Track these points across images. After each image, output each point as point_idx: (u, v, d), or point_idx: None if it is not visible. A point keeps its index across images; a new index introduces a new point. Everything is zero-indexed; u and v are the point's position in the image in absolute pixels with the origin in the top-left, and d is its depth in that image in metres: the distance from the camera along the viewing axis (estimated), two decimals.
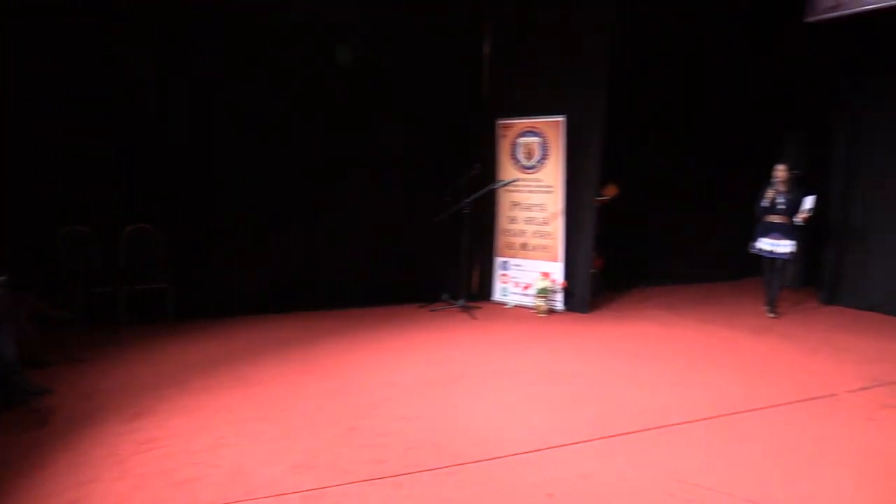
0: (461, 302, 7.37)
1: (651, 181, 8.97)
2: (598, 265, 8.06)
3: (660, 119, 8.94)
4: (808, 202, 7.16)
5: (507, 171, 7.75)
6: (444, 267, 7.72)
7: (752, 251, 7.59)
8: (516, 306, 7.69)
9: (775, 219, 7.36)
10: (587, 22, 7.31)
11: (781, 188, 7.35)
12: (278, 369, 5.18)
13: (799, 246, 7.43)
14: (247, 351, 5.62)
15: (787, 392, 5.01)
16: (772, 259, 7.49)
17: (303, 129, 6.93)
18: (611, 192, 8.29)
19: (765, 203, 7.40)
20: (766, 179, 7.49)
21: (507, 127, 7.75)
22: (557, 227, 7.50)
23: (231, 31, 6.53)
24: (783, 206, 7.31)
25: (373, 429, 4.10)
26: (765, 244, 7.45)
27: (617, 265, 8.75)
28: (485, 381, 5.07)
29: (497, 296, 7.91)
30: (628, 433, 4.17)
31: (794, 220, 7.25)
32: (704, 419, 4.44)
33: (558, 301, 7.50)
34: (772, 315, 7.56)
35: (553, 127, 7.44)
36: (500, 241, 7.90)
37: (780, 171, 7.38)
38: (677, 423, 4.34)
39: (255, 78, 6.66)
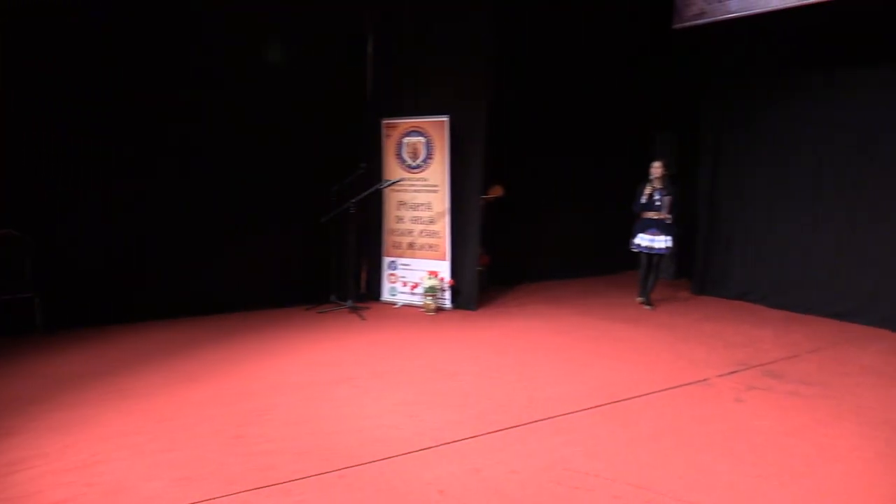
0: (349, 303, 7.30)
1: (533, 180, 9.23)
2: (484, 263, 8.20)
3: (542, 119, 9.20)
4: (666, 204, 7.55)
5: (393, 170, 7.74)
6: (331, 268, 7.62)
7: (633, 249, 7.82)
8: (405, 305, 7.69)
9: (653, 215, 7.60)
10: (470, 21, 7.42)
11: (658, 185, 7.57)
12: (159, 379, 4.94)
13: (674, 241, 7.70)
14: (125, 361, 5.33)
15: (663, 379, 5.27)
16: (650, 254, 7.72)
17: (191, 130, 6.65)
18: (496, 192, 8.47)
19: (643, 200, 7.60)
20: (641, 178, 7.83)
21: (391, 127, 7.73)
22: (444, 226, 7.56)
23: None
24: (660, 203, 7.57)
25: (260, 436, 3.99)
26: (643, 240, 7.64)
27: (503, 262, 8.94)
28: (374, 381, 5.04)
29: (385, 296, 7.88)
30: (517, 426, 4.26)
31: (669, 216, 7.56)
32: (588, 408, 4.59)
33: (446, 299, 7.57)
34: (648, 307, 7.85)
35: (437, 127, 7.49)
36: (388, 240, 7.88)
37: (657, 168, 7.60)
38: (563, 414, 4.47)
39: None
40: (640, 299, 7.98)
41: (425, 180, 7.64)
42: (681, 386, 5.13)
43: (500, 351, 5.97)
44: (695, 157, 9.14)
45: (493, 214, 8.46)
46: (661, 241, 7.59)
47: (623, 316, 7.49)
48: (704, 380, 5.29)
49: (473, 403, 4.63)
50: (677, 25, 7.79)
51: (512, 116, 8.72)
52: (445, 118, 7.43)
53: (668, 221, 7.55)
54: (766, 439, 4.16)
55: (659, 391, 4.99)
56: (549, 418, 4.40)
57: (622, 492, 3.44)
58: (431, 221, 7.63)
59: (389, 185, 7.62)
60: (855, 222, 7.45)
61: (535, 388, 4.97)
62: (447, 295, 7.57)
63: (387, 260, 7.88)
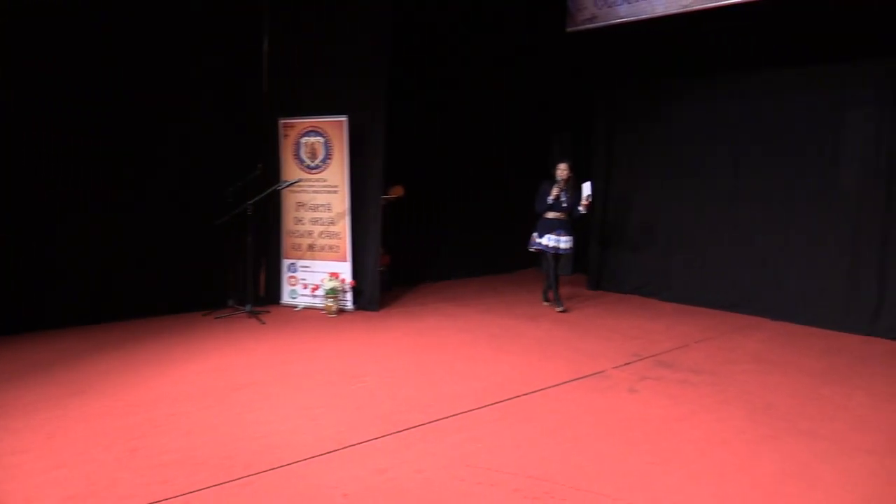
0: (248, 307, 7.12)
1: (433, 180, 9.31)
2: (385, 263, 8.19)
3: (442, 120, 9.29)
4: (587, 188, 7.44)
5: (291, 171, 7.61)
6: (228, 272, 7.42)
7: (535, 248, 7.75)
8: (306, 308, 7.58)
9: (559, 215, 7.57)
10: (366, 19, 7.39)
11: (564, 186, 7.51)
12: (43, 393, 4.66)
13: (574, 241, 7.76)
14: (4, 374, 5.00)
15: (562, 372, 5.42)
16: (556, 255, 7.67)
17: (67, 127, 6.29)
18: (396, 192, 8.47)
19: (550, 200, 7.51)
20: (540, 178, 7.99)
21: (289, 126, 7.60)
22: (345, 227, 7.50)
23: None
24: (566, 204, 7.53)
25: (156, 447, 3.83)
26: (549, 240, 7.55)
27: (404, 262, 8.96)
28: (275, 386, 4.95)
29: (286, 299, 7.74)
30: (421, 425, 4.28)
31: (576, 211, 7.53)
32: (491, 404, 4.67)
33: (348, 301, 7.51)
34: (559, 309, 7.70)
35: (336, 126, 7.43)
36: (287, 242, 7.74)
37: (563, 170, 7.51)
38: (466, 411, 4.53)
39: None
40: (547, 303, 7.95)
41: (324, 181, 7.55)
42: (578, 379, 5.29)
43: (403, 351, 5.98)
44: (588, 158, 9.44)
45: (394, 215, 8.46)
46: (566, 242, 7.58)
47: (523, 313, 7.65)
48: (601, 372, 5.48)
49: (377, 404, 4.62)
50: (570, 29, 8.04)
51: (412, 117, 8.77)
52: (344, 118, 7.37)
53: (581, 211, 7.55)
54: (658, 426, 4.35)
55: (558, 385, 5.13)
56: (452, 416, 4.44)
57: (523, 485, 3.52)
58: (332, 222, 7.55)
59: (288, 186, 7.49)
60: (738, 218, 7.90)
61: (438, 387, 5.01)
62: (349, 296, 7.51)
63: (286, 262, 7.75)
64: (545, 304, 7.98)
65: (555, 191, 7.49)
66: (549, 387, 5.08)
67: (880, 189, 6.84)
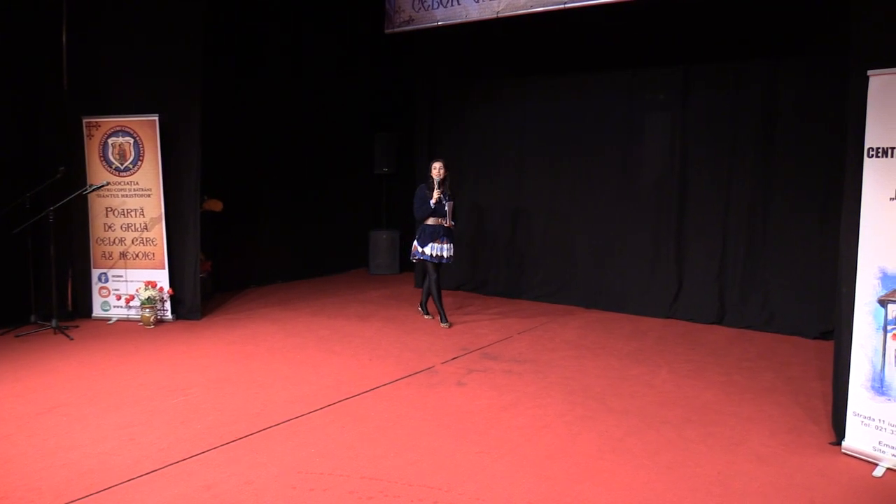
0: (54, 322, 6.53)
1: (257, 182, 9.03)
2: (206, 269, 7.84)
3: (264, 121, 9.03)
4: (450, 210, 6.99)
5: (98, 173, 7.06)
6: (29, 285, 6.76)
7: (417, 258, 7.16)
8: (120, 321, 7.07)
9: (440, 221, 6.95)
10: (177, 13, 7.00)
11: (442, 187, 6.90)
12: None
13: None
14: None
15: (393, 370, 5.46)
16: (438, 264, 7.07)
17: None
18: (214, 206, 8.09)
19: (432, 205, 6.86)
20: (365, 179, 7.98)
21: (94, 125, 7.05)
22: (160, 233, 7.08)
23: None
24: (446, 209, 6.96)
25: None
26: (434, 249, 6.94)
27: (228, 267, 8.64)
28: (86, 406, 4.58)
29: (97, 312, 7.18)
30: (249, 435, 4.14)
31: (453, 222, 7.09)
32: (321, 408, 4.61)
33: (167, 310, 7.10)
34: (446, 324, 7.04)
35: (146, 126, 6.99)
36: (96, 250, 7.17)
37: (438, 170, 6.87)
38: (296, 417, 4.44)
39: None
40: (427, 316, 7.38)
41: (136, 184, 7.08)
42: (409, 376, 5.35)
43: (229, 360, 5.76)
44: (411, 158, 9.58)
45: (215, 218, 8.14)
46: (449, 250, 7.02)
47: (354, 313, 7.62)
48: (430, 368, 5.58)
49: (201, 418, 4.41)
50: (388, 30, 8.09)
51: (232, 117, 8.46)
52: (155, 117, 6.96)
53: (452, 228, 7.06)
54: (485, 417, 4.51)
55: (388, 383, 5.16)
56: (282, 423, 4.34)
57: (357, 486, 3.51)
58: (146, 228, 7.10)
59: (94, 190, 6.94)
60: (554, 214, 8.34)
61: (268, 395, 4.88)
62: (167, 306, 7.10)
63: (96, 272, 7.18)
64: (426, 317, 7.39)
65: (435, 194, 6.84)
66: (380, 386, 5.10)
67: (674, 185, 7.50)
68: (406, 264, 10.18)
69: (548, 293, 8.33)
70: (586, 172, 8.09)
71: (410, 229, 9.51)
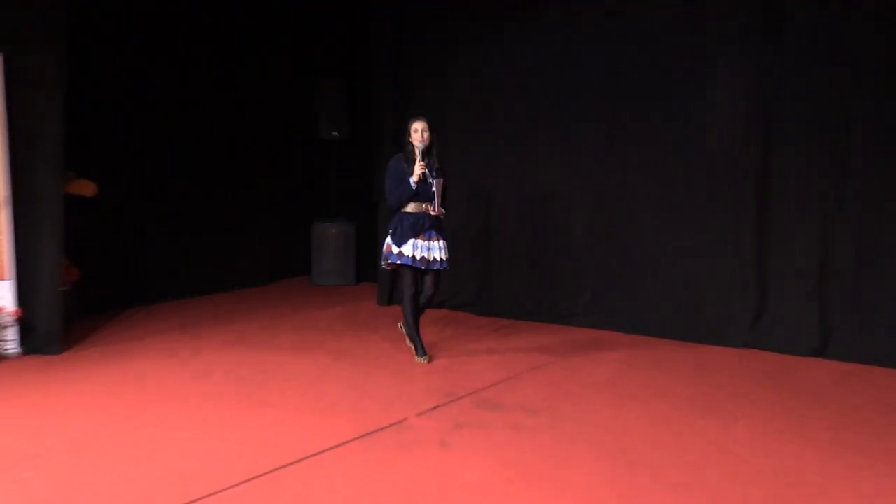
0: None
1: (148, 160, 9.00)
2: (72, 279, 7.78)
3: (160, 66, 9.01)
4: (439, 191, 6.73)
5: None
6: None
7: (391, 263, 6.90)
8: None
9: (426, 207, 6.75)
10: None
11: (427, 160, 6.67)
12: None
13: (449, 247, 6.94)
14: None
15: (346, 427, 5.36)
16: (423, 272, 6.87)
17: None
18: (85, 189, 8.06)
19: (413, 182, 6.62)
20: (301, 148, 7.90)
21: None
22: (1, 226, 7.00)
23: None
24: (433, 190, 6.73)
25: None
26: (416, 249, 6.69)
27: (107, 277, 8.66)
28: None
29: None
30: None
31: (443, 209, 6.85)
32: (242, 483, 4.50)
33: (10, 341, 7.07)
34: (424, 359, 6.90)
35: None
36: None
37: (419, 132, 6.64)
38: (204, 497, 4.32)
39: None
40: (424, 359, 6.93)
41: None
42: (369, 434, 5.25)
43: (103, 414, 5.66)
44: (370, 115, 9.53)
45: (87, 207, 8.08)
46: (442, 249, 6.78)
47: (289, 343, 7.60)
48: (400, 422, 5.49)
49: (58, 500, 4.27)
50: None
51: (118, 72, 8.45)
52: None
53: (442, 217, 6.83)
54: (483, 492, 4.40)
55: (340, 445, 5.06)
56: None
57: None
58: None
59: None
60: (573, 198, 8.30)
61: (159, 466, 4.77)
62: (11, 334, 7.07)
63: None
64: (418, 358, 6.98)
65: (417, 168, 6.58)
66: (328, 449, 5.00)
67: (754, 161, 7.42)
68: (366, 271, 10.13)
69: (571, 313, 8.30)
70: (622, 142, 8.08)
71: (372, 219, 9.47)
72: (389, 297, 9.31)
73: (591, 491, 4.49)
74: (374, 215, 9.40)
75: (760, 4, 7.30)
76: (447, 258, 6.81)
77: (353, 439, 5.17)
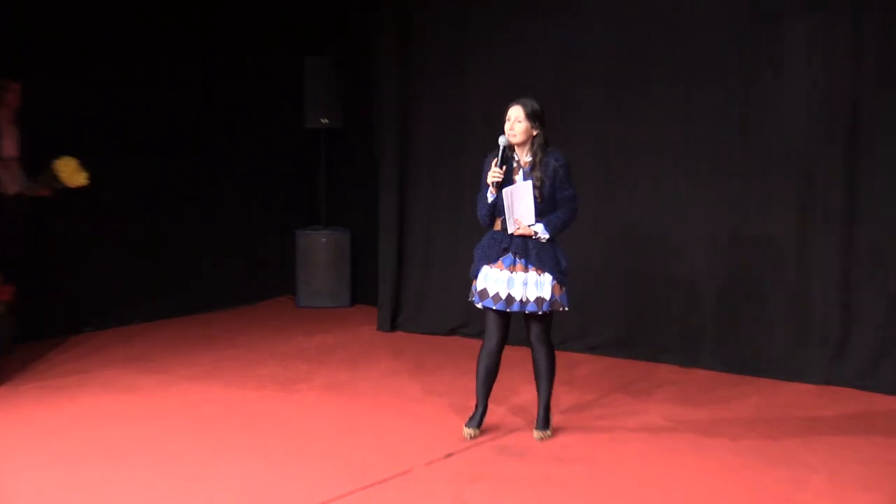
0: None
1: (102, 142, 8.98)
2: (6, 297, 7.81)
3: (114, 53, 9.05)
4: (519, 193, 5.84)
5: None
6: None
7: (475, 303, 6.14)
8: None
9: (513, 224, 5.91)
10: None
11: (523, 159, 5.97)
12: None
13: (563, 280, 6.03)
14: None
15: (339, 480, 5.37)
16: (506, 316, 6.05)
17: None
18: (73, 177, 8.10)
19: (490, 190, 5.90)
20: (293, 134, 7.88)
21: None
22: None
23: None
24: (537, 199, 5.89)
25: None
26: (486, 281, 5.97)
27: (46, 295, 8.65)
28: None
29: None
30: None
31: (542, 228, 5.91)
32: None
33: None
34: (469, 431, 6.19)
35: None
36: None
37: (513, 122, 5.89)
38: None
39: None
40: (471, 431, 6.21)
41: None
42: (366, 488, 5.27)
43: (42, 462, 5.68)
44: (370, 104, 9.55)
45: (13, 211, 8.12)
46: (529, 285, 5.88)
47: (266, 377, 7.64)
48: (405, 473, 5.51)
49: None
50: None
51: (51, 44, 8.49)
52: None
53: (543, 237, 5.90)
54: None
55: (332, 500, 5.09)
56: None
57: None
58: None
59: None
60: (613, 196, 8.32)
61: None
62: None
63: None
64: (469, 434, 6.21)
65: (494, 173, 5.86)
66: None
67: (836, 154, 7.42)
68: (363, 290, 10.15)
69: (607, 341, 8.31)
70: (667, 125, 8.09)
71: (371, 227, 9.49)
72: (392, 321, 9.34)
73: None
74: (374, 222, 9.40)
75: None
76: (547, 300, 5.86)
77: (345, 495, 5.18)
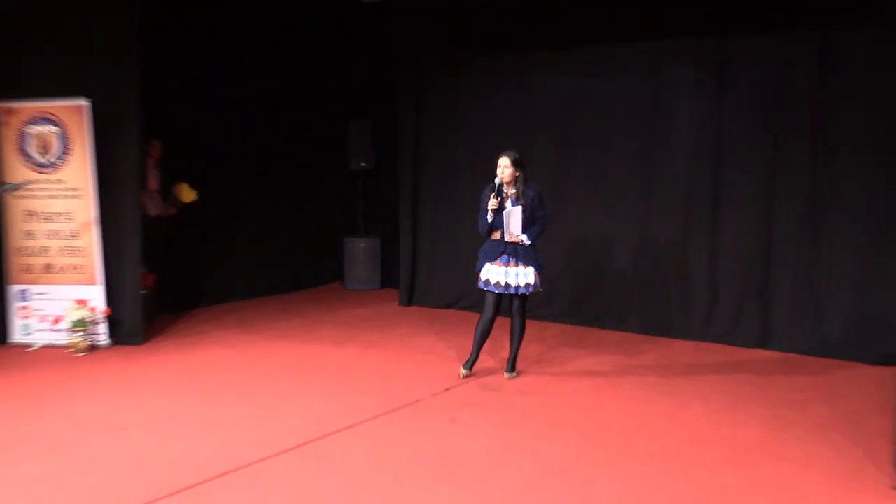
0: None
1: (207, 183, 8.97)
2: (149, 283, 7.84)
3: (217, 113, 9.02)
4: (514, 215, 5.96)
5: (16, 170, 7.06)
6: None
7: (481, 287, 6.21)
8: (45, 347, 7.07)
9: (503, 235, 6.06)
10: None
11: (508, 191, 6.05)
12: None
13: (540, 273, 6.17)
14: None
15: (374, 404, 5.48)
16: (499, 296, 6.15)
17: None
18: (186, 195, 8.19)
19: (489, 214, 6.01)
20: (338, 176, 7.96)
21: (9, 112, 7.04)
22: (92, 241, 7.09)
23: None
24: (508, 217, 6.04)
25: None
26: (493, 274, 6.06)
27: (177, 281, 8.66)
28: (3, 452, 4.57)
29: (16, 336, 7.17)
30: (200, 483, 4.14)
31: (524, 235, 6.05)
32: (291, 449, 4.62)
33: (102, 334, 7.10)
34: (463, 372, 6.28)
35: (74, 113, 6.99)
36: (14, 263, 7.16)
37: (503, 167, 5.99)
38: (258, 461, 4.44)
39: None
40: (465, 371, 6.29)
41: (62, 182, 7.08)
42: (392, 411, 5.37)
43: (177, 393, 5.77)
44: (393, 150, 9.60)
45: (162, 223, 8.20)
46: (524, 275, 6.03)
47: (326, 336, 7.65)
48: (417, 401, 5.60)
49: (142, 464, 4.41)
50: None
51: (177, 104, 8.47)
52: (85, 102, 6.95)
53: (526, 243, 6.02)
54: (484, 460, 4.52)
55: (368, 420, 5.18)
56: (241, 469, 4.34)
57: None
58: (74, 235, 7.11)
59: (11, 190, 6.93)
60: (564, 216, 8.35)
61: (224, 436, 4.88)
62: (102, 328, 7.10)
63: (15, 289, 7.18)
64: (464, 375, 6.28)
65: (492, 202, 5.96)
66: (358, 423, 5.11)
67: (707, 185, 7.49)
68: (389, 278, 10.19)
69: (557, 312, 8.35)
70: (599, 166, 8.08)
71: (394, 235, 9.56)
72: (409, 299, 9.40)
73: (574, 456, 4.61)
74: (396, 232, 9.47)
75: (716, 64, 7.43)
76: (530, 284, 6.03)
77: (379, 415, 5.29)
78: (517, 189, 6.02)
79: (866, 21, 6.68)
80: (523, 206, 5.97)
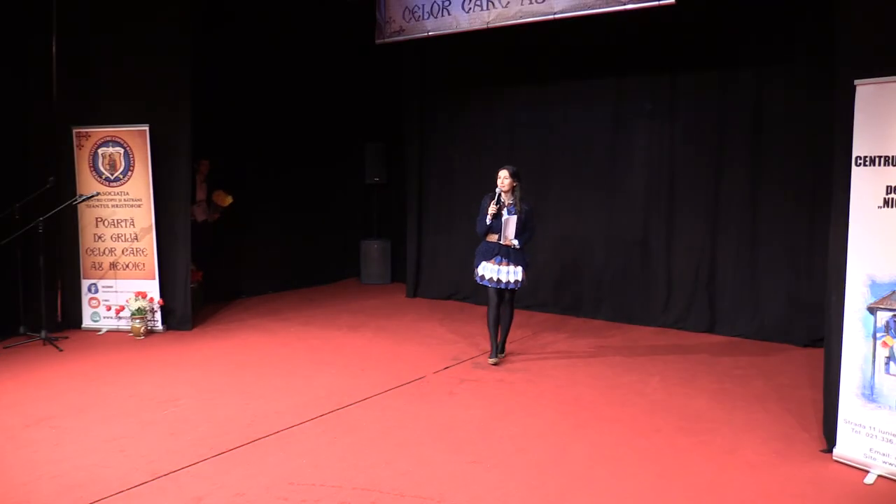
0: (43, 334, 6.47)
1: (244, 191, 8.95)
2: (197, 279, 7.81)
3: (252, 131, 8.99)
4: (510, 225, 5.91)
5: (88, 184, 7.03)
6: (18, 296, 6.70)
7: (478, 281, 6.13)
8: (110, 331, 7.03)
9: (499, 239, 5.97)
10: (167, 23, 7.00)
11: (507, 200, 5.93)
12: None
13: (525, 271, 6.04)
14: None
15: (383, 381, 5.44)
16: (498, 291, 6.02)
17: None
18: (223, 199, 8.18)
19: (487, 220, 5.91)
20: (353, 188, 7.95)
21: (83, 136, 7.01)
22: (150, 243, 7.05)
23: None
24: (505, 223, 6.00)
25: None
26: (487, 271, 5.97)
27: (219, 277, 8.59)
28: (75, 418, 4.54)
29: (87, 322, 7.13)
30: (239, 446, 4.11)
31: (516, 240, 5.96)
32: (313, 418, 4.59)
33: (157, 321, 7.06)
34: (492, 360, 6.08)
35: (137, 136, 6.96)
36: (86, 261, 7.13)
37: (502, 178, 5.91)
38: (288, 427, 4.42)
39: None
40: (493, 360, 6.07)
41: (126, 194, 7.05)
42: (400, 386, 5.34)
43: (219, 370, 5.73)
44: (401, 166, 9.59)
45: (207, 225, 8.18)
46: (513, 273, 5.93)
47: (344, 323, 7.60)
48: (421, 378, 5.57)
49: (191, 429, 4.38)
50: (379, 41, 8.08)
51: (219, 127, 8.44)
52: (145, 127, 6.93)
53: (517, 247, 5.94)
54: (477, 427, 4.50)
55: (379, 393, 5.14)
56: (273, 434, 4.31)
57: (349, 497, 3.48)
58: (136, 238, 7.07)
59: (84, 201, 6.90)
60: (545, 221, 8.33)
61: (258, 405, 4.85)
62: (158, 316, 7.06)
63: (86, 283, 7.14)
64: (493, 363, 6.07)
65: (492, 208, 5.89)
66: (371, 396, 5.08)
67: (663, 194, 7.50)
68: (397, 274, 10.17)
69: (538, 303, 8.32)
70: (575, 178, 8.05)
71: (402, 238, 9.55)
72: (414, 291, 9.37)
73: (552, 423, 4.58)
74: (403, 235, 9.46)
75: (669, 95, 7.42)
76: (518, 280, 5.92)
77: (389, 389, 5.26)
78: (514, 197, 5.94)
79: (792, 60, 6.70)
80: (518, 216, 5.91)
